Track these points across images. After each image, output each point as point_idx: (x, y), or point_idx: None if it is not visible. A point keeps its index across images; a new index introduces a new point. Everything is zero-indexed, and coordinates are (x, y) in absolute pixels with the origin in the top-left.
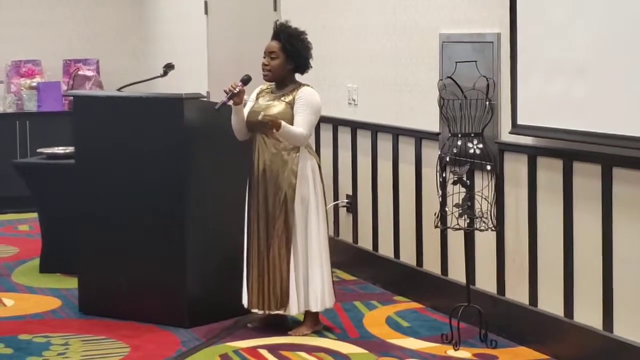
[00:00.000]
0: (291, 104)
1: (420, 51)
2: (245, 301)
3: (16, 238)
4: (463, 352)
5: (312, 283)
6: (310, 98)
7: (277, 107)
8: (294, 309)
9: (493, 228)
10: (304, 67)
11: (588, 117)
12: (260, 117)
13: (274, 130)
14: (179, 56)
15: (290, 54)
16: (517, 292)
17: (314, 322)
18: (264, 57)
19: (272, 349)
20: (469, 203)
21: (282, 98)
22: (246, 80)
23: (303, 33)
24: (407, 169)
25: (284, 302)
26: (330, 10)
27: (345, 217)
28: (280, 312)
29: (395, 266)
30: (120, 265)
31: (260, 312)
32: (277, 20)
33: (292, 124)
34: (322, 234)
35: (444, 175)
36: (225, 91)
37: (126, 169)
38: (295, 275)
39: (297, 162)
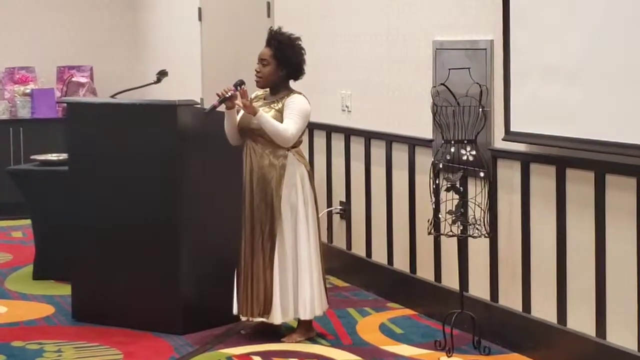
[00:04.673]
0: (281, 112)
1: (414, 58)
2: (235, 309)
3: (10, 245)
4: (456, 359)
5: (301, 291)
6: (299, 104)
7: (268, 114)
8: (277, 317)
9: (486, 235)
10: (296, 73)
11: (581, 124)
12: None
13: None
14: (172, 62)
15: (281, 61)
16: (510, 299)
17: (307, 328)
18: (257, 64)
19: (265, 355)
20: (462, 210)
21: (273, 105)
22: (239, 85)
23: (296, 40)
24: (401, 176)
25: (267, 309)
26: (323, 17)
27: (338, 224)
28: (263, 319)
29: (389, 273)
30: (114, 272)
31: (245, 318)
32: (271, 26)
33: None
34: (313, 241)
35: (437, 182)
36: (217, 95)
37: (120, 176)
38: (283, 283)
39: (284, 169)
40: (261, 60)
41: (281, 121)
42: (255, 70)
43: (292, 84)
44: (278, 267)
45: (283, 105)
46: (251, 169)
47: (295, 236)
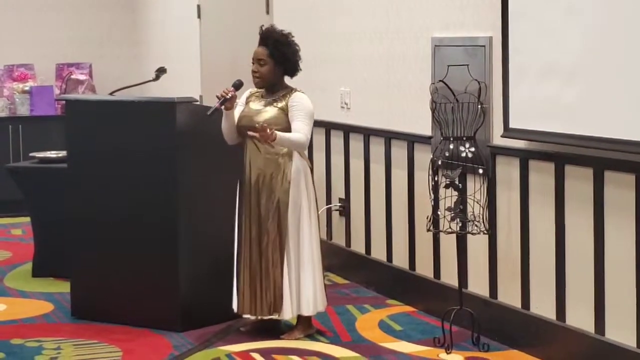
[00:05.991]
0: (284, 110)
1: (413, 55)
2: (235, 306)
3: (9, 242)
4: (455, 356)
5: (303, 287)
6: (304, 103)
7: (270, 112)
8: (288, 314)
9: (485, 231)
10: (293, 70)
11: (580, 121)
12: (251, 133)
13: (271, 141)
14: (171, 60)
15: (279, 59)
16: (509, 296)
17: (306, 325)
18: (253, 64)
19: (264, 353)
20: (461, 206)
21: (275, 103)
22: (238, 86)
23: (289, 36)
24: (400, 173)
25: (277, 307)
26: (322, 14)
27: (338, 221)
28: (274, 317)
29: (388, 270)
30: (113, 269)
31: (253, 317)
32: (262, 25)
33: (286, 129)
34: (314, 237)
35: (436, 178)
36: (217, 96)
37: (118, 173)
38: (288, 279)
39: (290, 166)
40: (258, 60)
41: (285, 119)
42: (253, 71)
43: (289, 80)
44: (286, 263)
45: (286, 104)
46: (256, 167)
47: (298, 233)
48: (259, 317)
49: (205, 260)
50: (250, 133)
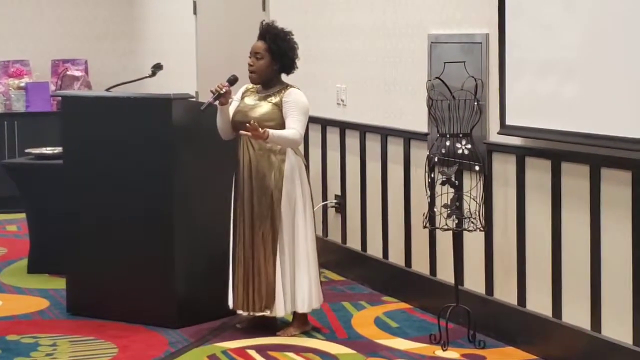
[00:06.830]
0: (278, 105)
1: (409, 51)
2: (230, 302)
3: (4, 238)
4: (451, 353)
5: (299, 284)
6: (298, 99)
7: (264, 107)
8: (280, 311)
9: (481, 228)
10: (289, 67)
11: (576, 118)
12: (243, 132)
13: (263, 140)
14: (167, 56)
15: (276, 55)
16: (505, 293)
17: (302, 322)
18: (250, 58)
19: (260, 349)
20: (458, 203)
21: (269, 99)
22: (232, 81)
23: (289, 33)
24: (396, 169)
25: (269, 303)
26: (319, 10)
27: (334, 218)
28: (266, 313)
29: (384, 266)
30: (109, 266)
31: (245, 313)
32: (263, 20)
33: (280, 124)
34: (309, 234)
35: (432, 175)
36: (211, 91)
37: (114, 170)
38: (282, 276)
39: (284, 162)
40: (255, 53)
41: (279, 115)
42: (249, 64)
43: (285, 77)
44: (279, 260)
45: (281, 99)
46: (249, 163)
47: (293, 229)
48: (252, 314)
49: (202, 256)
50: (241, 132)
